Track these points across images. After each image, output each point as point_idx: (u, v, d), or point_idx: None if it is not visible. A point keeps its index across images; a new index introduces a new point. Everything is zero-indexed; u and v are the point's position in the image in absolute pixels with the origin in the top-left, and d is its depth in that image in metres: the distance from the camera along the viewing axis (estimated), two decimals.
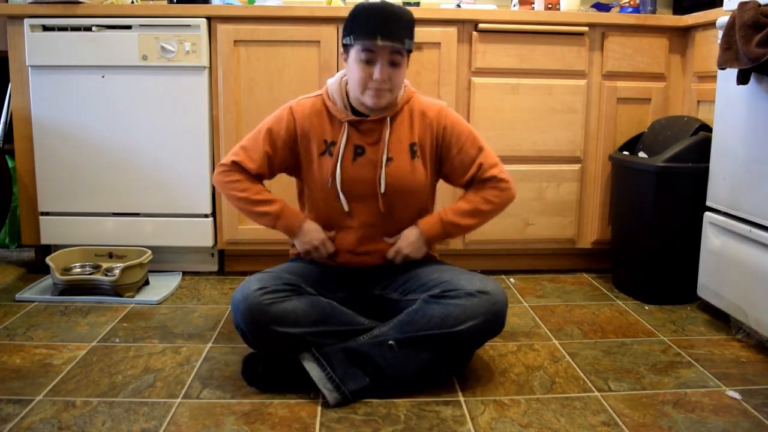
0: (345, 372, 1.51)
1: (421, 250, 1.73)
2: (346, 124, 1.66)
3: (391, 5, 1.58)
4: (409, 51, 1.61)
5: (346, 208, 1.68)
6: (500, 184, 1.70)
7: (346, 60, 1.64)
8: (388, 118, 1.66)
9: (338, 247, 1.73)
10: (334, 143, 1.67)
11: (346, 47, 1.62)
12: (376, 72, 1.56)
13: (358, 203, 1.69)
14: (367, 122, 1.66)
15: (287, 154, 1.71)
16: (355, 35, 1.56)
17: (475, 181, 1.71)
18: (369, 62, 1.56)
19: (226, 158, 1.71)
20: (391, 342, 1.53)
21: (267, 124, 1.71)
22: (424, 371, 1.55)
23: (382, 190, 1.66)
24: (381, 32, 1.53)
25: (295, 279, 1.61)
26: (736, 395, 1.55)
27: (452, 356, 1.59)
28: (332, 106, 1.67)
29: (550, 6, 2.56)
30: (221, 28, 2.29)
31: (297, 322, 1.53)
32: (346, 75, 1.68)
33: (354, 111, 1.68)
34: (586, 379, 1.64)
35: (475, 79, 2.39)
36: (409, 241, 1.71)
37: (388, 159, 1.66)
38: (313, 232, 1.70)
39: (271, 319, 1.52)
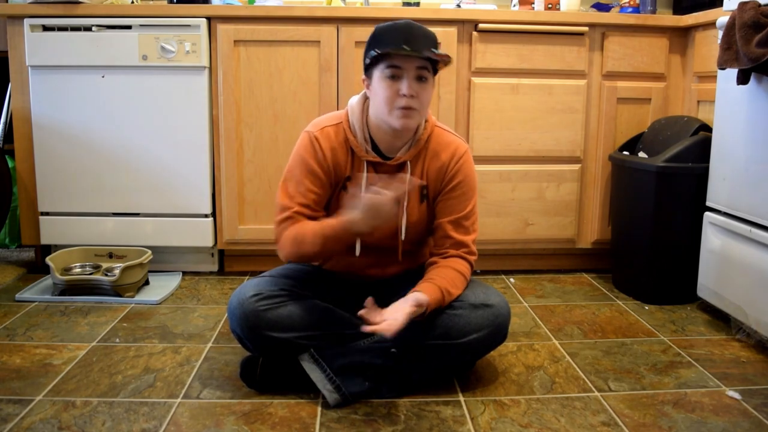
0: (345, 376, 1.51)
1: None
2: (366, 163, 1.58)
3: (415, 22, 1.52)
4: (435, 70, 1.54)
5: (357, 252, 1.62)
6: (471, 258, 1.63)
7: (368, 86, 1.55)
8: (408, 163, 1.59)
9: (344, 269, 1.69)
10: (349, 178, 1.61)
11: (369, 69, 1.52)
12: (404, 87, 1.46)
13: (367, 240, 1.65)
14: (386, 165, 1.59)
15: (328, 185, 1.61)
16: (380, 50, 1.45)
17: (448, 236, 1.61)
18: (395, 77, 1.47)
19: (280, 213, 1.57)
20: (393, 350, 1.53)
21: (300, 164, 1.58)
22: (425, 379, 1.55)
23: (403, 238, 1.63)
24: (407, 44, 1.44)
25: (291, 283, 1.60)
26: (736, 395, 1.55)
27: (454, 365, 1.60)
28: (353, 140, 1.58)
29: (550, 6, 2.55)
30: (221, 28, 2.29)
31: (293, 327, 1.53)
32: (367, 99, 1.60)
33: (373, 144, 1.59)
34: (586, 379, 1.64)
35: (475, 79, 2.39)
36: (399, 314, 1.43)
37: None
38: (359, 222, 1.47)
39: (266, 325, 1.51)
